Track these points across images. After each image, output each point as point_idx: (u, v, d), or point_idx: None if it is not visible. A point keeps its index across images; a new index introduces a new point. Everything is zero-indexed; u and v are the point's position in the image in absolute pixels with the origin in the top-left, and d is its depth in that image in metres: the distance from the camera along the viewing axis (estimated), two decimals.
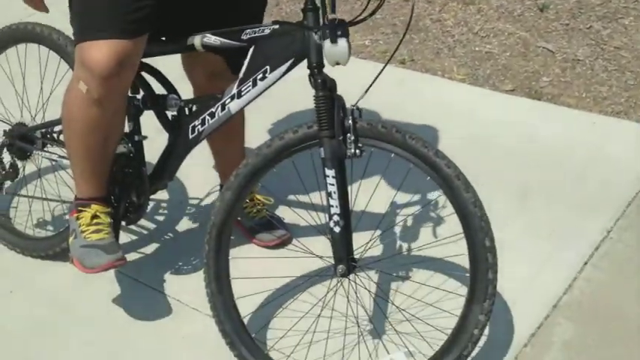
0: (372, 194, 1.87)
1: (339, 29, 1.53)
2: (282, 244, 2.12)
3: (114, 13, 1.61)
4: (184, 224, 2.28)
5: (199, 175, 2.33)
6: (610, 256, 2.03)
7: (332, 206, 1.57)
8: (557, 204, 2.24)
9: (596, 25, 3.23)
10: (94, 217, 1.85)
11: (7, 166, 2.14)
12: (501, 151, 2.48)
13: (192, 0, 1.75)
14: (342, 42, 1.53)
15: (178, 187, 2.36)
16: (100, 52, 1.61)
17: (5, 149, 2.15)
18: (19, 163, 2.16)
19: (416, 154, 1.57)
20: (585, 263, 2.00)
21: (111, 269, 1.86)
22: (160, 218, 2.31)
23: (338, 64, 1.56)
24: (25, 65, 2.16)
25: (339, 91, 1.60)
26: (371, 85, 1.58)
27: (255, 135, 2.21)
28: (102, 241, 1.83)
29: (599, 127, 2.60)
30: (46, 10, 1.84)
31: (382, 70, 1.58)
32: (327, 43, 1.53)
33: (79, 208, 1.86)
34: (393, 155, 1.60)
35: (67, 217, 2.18)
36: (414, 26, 3.32)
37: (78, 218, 1.86)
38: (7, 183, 2.18)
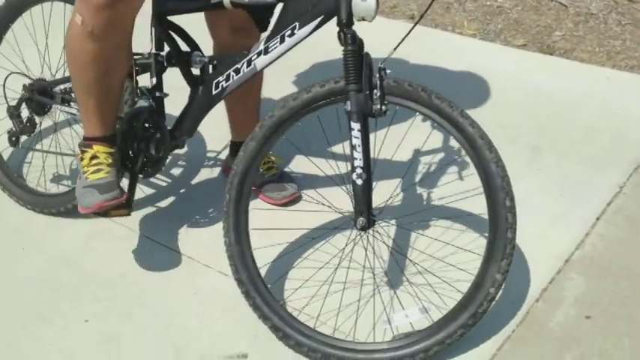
0: (395, 150, 1.88)
1: None
2: (291, 202, 2.14)
3: None
4: (198, 179, 2.29)
5: (212, 131, 2.33)
6: (623, 211, 2.05)
7: (355, 159, 1.58)
8: (569, 159, 2.25)
9: None
10: (93, 157, 1.84)
11: (25, 120, 2.13)
12: (513, 106, 2.48)
13: None
14: (370, 0, 1.54)
15: (193, 142, 2.35)
16: None
17: (24, 104, 2.14)
18: (37, 118, 2.15)
19: (440, 114, 1.59)
20: (597, 219, 2.01)
21: (107, 208, 1.81)
22: (175, 172, 2.32)
23: (363, 19, 1.56)
24: (48, 24, 2.14)
25: None
26: (398, 46, 1.59)
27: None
28: (100, 180, 1.82)
29: (612, 81, 2.60)
30: None
31: (410, 31, 1.59)
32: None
33: (82, 149, 1.87)
34: (417, 113, 1.62)
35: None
36: None
37: (82, 159, 1.87)
38: (24, 137, 2.18)
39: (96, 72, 1.75)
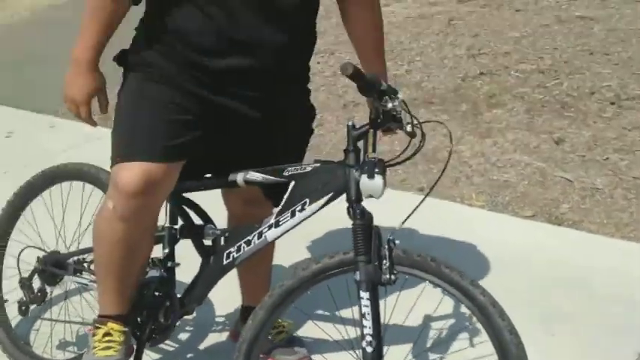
0: (406, 317, 1.86)
1: (377, 167, 1.61)
2: None
3: (148, 140, 1.70)
4: (206, 344, 2.26)
5: (221, 295, 2.31)
6: None
7: (365, 327, 1.58)
8: (584, 326, 2.22)
9: (613, 157, 3.32)
10: (107, 334, 1.85)
11: (36, 291, 2.15)
12: (523, 275, 2.49)
13: (238, 139, 1.83)
14: (378, 178, 1.61)
15: (202, 307, 2.33)
16: (130, 172, 1.68)
17: (36, 275, 2.17)
18: (48, 288, 2.17)
19: (451, 283, 1.60)
20: None
21: None
22: (182, 337, 2.29)
23: (371, 196, 1.62)
24: (66, 200, 2.24)
25: None
26: (407, 218, 1.63)
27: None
28: (108, 358, 1.82)
29: (622, 251, 2.63)
30: (94, 124, 1.85)
31: (420, 203, 1.65)
32: (363, 177, 1.61)
33: (96, 325, 1.87)
34: (427, 282, 1.63)
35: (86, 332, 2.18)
36: (432, 157, 3.43)
37: (94, 334, 1.86)
38: (32, 306, 2.18)
39: (121, 253, 1.79)
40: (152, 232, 1.86)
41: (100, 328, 1.86)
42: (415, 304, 1.96)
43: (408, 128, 1.63)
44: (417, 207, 1.64)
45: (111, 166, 1.76)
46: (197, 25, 1.68)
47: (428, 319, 2.15)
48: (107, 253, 1.81)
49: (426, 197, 1.68)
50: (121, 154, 1.73)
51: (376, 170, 1.60)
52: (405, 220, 1.64)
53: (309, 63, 1.89)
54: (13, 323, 2.25)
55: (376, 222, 1.64)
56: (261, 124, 1.80)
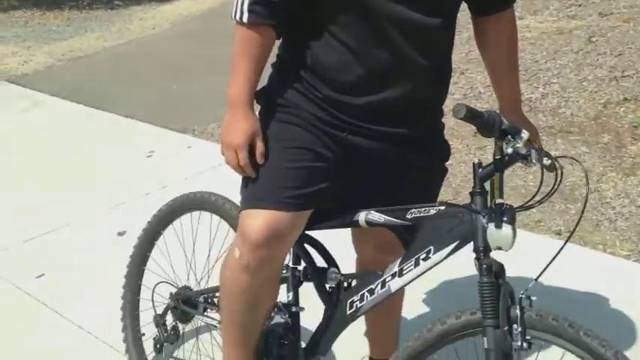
0: None
1: (505, 215, 1.51)
2: None
3: (278, 188, 1.67)
4: None
5: (347, 342, 2.28)
6: None
7: None
8: None
9: None
10: None
11: (170, 329, 2.21)
12: None
13: (370, 179, 1.78)
14: (506, 228, 1.51)
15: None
16: (255, 220, 1.66)
17: (169, 312, 2.24)
18: (180, 326, 2.23)
19: (591, 354, 1.46)
20: None
21: None
22: None
23: (500, 248, 1.53)
24: (196, 232, 2.28)
25: None
26: (544, 271, 1.53)
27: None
28: None
29: None
30: (252, 173, 1.70)
31: (558, 253, 1.53)
32: (491, 227, 1.51)
33: None
34: (566, 352, 1.50)
35: None
36: (570, 196, 3.23)
37: None
38: (166, 345, 2.25)
39: (243, 303, 1.79)
40: (276, 282, 1.85)
41: None
42: None
43: (544, 161, 1.51)
44: (555, 258, 1.52)
45: (239, 211, 1.76)
46: (337, 60, 1.64)
47: None
48: (230, 302, 1.81)
49: (564, 246, 1.55)
50: (249, 200, 1.71)
51: (504, 219, 1.50)
52: (541, 273, 1.52)
53: (447, 93, 1.82)
54: (150, 359, 2.32)
55: (507, 269, 1.53)
56: (395, 163, 1.75)
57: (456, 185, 3.50)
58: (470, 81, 4.68)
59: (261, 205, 1.68)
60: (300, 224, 1.73)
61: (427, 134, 1.80)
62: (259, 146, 1.68)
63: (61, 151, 4.37)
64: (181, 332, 2.24)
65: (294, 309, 1.92)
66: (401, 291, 1.96)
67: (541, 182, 1.57)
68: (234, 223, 2.06)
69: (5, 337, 2.62)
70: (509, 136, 1.49)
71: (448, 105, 4.28)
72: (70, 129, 4.78)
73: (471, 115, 1.43)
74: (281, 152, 1.68)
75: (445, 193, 3.27)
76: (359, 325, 2.11)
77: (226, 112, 1.69)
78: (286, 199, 1.67)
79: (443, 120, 1.89)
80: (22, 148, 4.48)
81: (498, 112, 1.55)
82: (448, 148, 1.89)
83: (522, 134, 1.49)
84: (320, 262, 1.91)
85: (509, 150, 1.49)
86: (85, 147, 4.43)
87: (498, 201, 1.53)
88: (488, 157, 1.58)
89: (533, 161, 1.51)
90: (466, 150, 3.87)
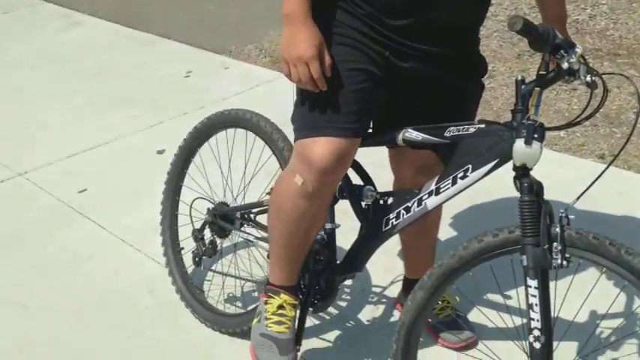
0: (578, 308, 1.74)
1: (537, 132, 1.48)
2: (468, 347, 2.04)
3: (338, 113, 1.65)
4: (367, 313, 2.26)
5: (383, 263, 2.31)
6: None
7: (532, 319, 1.47)
8: None
9: None
10: (280, 307, 1.88)
11: (207, 243, 2.25)
12: None
13: (411, 97, 1.75)
14: (535, 145, 1.48)
15: (362, 274, 2.35)
16: (322, 148, 1.65)
17: (207, 227, 2.27)
18: (218, 241, 2.26)
19: (632, 271, 1.44)
20: None
21: None
22: (342, 304, 2.30)
23: (524, 165, 1.50)
24: (232, 149, 2.29)
25: None
26: (585, 191, 1.50)
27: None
28: (280, 335, 1.86)
29: None
30: (325, 86, 1.62)
31: (601, 174, 1.50)
32: (519, 142, 1.48)
33: (269, 294, 1.90)
34: (604, 269, 1.48)
35: (256, 294, 2.26)
36: (615, 119, 3.15)
37: (266, 303, 1.90)
38: (205, 258, 2.29)
39: (300, 227, 1.80)
40: (328, 205, 1.85)
41: (273, 298, 1.89)
42: (590, 292, 1.81)
43: (588, 78, 1.45)
44: (598, 178, 1.49)
45: (296, 139, 1.72)
46: None
47: (605, 312, 1.97)
48: (285, 226, 1.81)
49: (608, 167, 1.53)
50: (309, 128, 1.68)
51: (535, 136, 1.47)
52: (582, 193, 1.50)
53: (486, 12, 1.75)
54: (189, 272, 2.38)
55: (547, 192, 1.51)
56: (434, 82, 1.71)
57: (497, 108, 3.43)
58: (514, 2, 4.53)
59: (324, 132, 1.65)
60: (357, 148, 1.72)
61: (466, 52, 1.75)
62: (327, 58, 1.60)
63: (101, 70, 4.39)
64: (219, 247, 2.28)
65: (329, 226, 1.94)
66: (437, 212, 1.97)
67: (590, 99, 1.52)
68: (269, 141, 2.07)
69: (47, 248, 2.71)
70: (562, 51, 1.44)
71: (491, 27, 4.17)
72: (108, 48, 4.79)
73: (527, 28, 1.39)
74: (336, 75, 1.63)
75: (486, 117, 3.21)
76: (394, 245, 2.13)
77: (284, 31, 1.62)
78: (349, 125, 1.65)
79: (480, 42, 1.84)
80: (63, 67, 4.51)
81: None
82: (485, 63, 1.84)
83: (577, 49, 1.44)
84: (356, 180, 1.90)
85: (565, 65, 1.44)
86: (123, 66, 4.44)
87: (533, 117, 1.50)
88: (526, 80, 1.54)
89: (582, 77, 1.46)
90: (509, 72, 3.77)
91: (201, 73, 4.26)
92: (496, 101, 3.46)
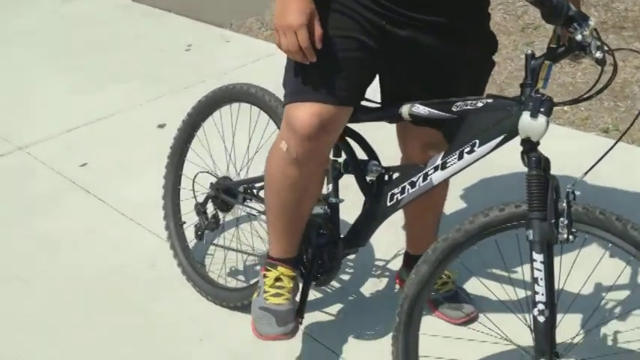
0: (583, 283, 1.73)
1: (543, 105, 1.46)
2: (468, 321, 2.05)
3: (324, 79, 1.62)
4: (369, 287, 2.26)
5: (385, 237, 2.30)
6: None
7: (537, 293, 1.47)
8: None
9: None
10: (277, 279, 1.87)
11: (210, 217, 2.24)
12: None
13: (414, 70, 1.72)
14: (541, 119, 1.46)
15: (364, 249, 2.34)
16: (304, 113, 1.62)
17: (210, 201, 2.26)
18: (220, 215, 2.25)
19: (638, 247, 1.43)
20: None
21: (280, 339, 1.87)
22: (345, 278, 2.30)
23: (529, 139, 1.48)
24: (235, 123, 2.27)
25: None
26: (593, 167, 1.49)
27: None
28: (279, 307, 1.85)
29: None
30: (313, 56, 1.60)
31: (609, 150, 1.48)
32: (525, 115, 1.47)
33: (267, 267, 1.90)
34: (610, 245, 1.47)
35: (258, 268, 2.26)
36: (620, 93, 3.11)
37: (264, 276, 1.89)
38: (207, 233, 2.28)
39: (291, 196, 1.78)
40: (322, 173, 1.83)
41: (270, 271, 1.88)
42: (595, 268, 1.80)
43: (598, 54, 1.43)
44: (606, 154, 1.48)
45: (284, 104, 1.72)
46: None
47: (609, 287, 1.97)
48: (278, 196, 1.80)
49: (617, 142, 1.52)
50: (295, 93, 1.66)
51: (542, 109, 1.45)
52: (590, 169, 1.49)
53: None
54: (191, 246, 2.37)
55: (553, 167, 1.50)
56: (438, 54, 1.68)
57: (501, 82, 3.39)
58: None
59: (309, 98, 1.63)
60: (346, 116, 1.70)
61: (472, 25, 1.72)
62: (317, 28, 1.57)
63: (101, 44, 4.35)
64: (221, 221, 2.27)
65: (333, 200, 1.93)
66: (443, 189, 1.96)
67: (600, 74, 1.50)
68: (273, 115, 2.05)
69: (47, 222, 2.70)
70: (575, 24, 1.41)
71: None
72: (108, 22, 4.74)
73: None
74: (325, 42, 1.60)
75: (489, 90, 3.17)
76: (397, 219, 2.11)
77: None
78: (334, 92, 1.62)
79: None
80: (63, 41, 4.46)
81: None
82: (495, 40, 1.81)
83: (590, 22, 1.42)
84: (360, 155, 1.89)
85: (578, 37, 1.41)
86: (123, 40, 4.40)
87: (541, 90, 1.48)
88: (536, 54, 1.52)
89: (592, 52, 1.43)
90: (513, 46, 3.73)
91: (201, 46, 4.22)
92: (499, 75, 3.42)
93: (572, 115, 3.04)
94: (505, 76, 3.44)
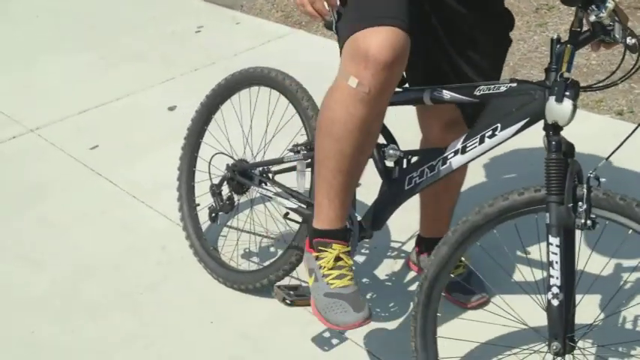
0: (603, 267, 1.73)
1: (569, 90, 1.45)
2: (479, 305, 2.05)
3: (390, 4, 1.54)
4: (382, 269, 2.26)
5: (398, 220, 2.29)
6: None
7: (552, 277, 1.48)
8: None
9: None
10: (337, 259, 1.71)
11: (225, 199, 2.23)
12: None
13: (438, 41, 1.70)
14: (567, 103, 1.45)
15: (380, 231, 2.34)
16: (379, 37, 1.50)
17: (225, 182, 2.25)
18: (236, 197, 2.25)
19: None
20: None
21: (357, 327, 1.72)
22: (357, 260, 2.29)
23: (556, 123, 1.48)
24: (254, 107, 2.26)
25: None
26: (615, 151, 1.48)
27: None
28: (346, 289, 1.69)
29: None
30: (330, 18, 1.61)
31: (629, 136, 1.48)
32: (551, 100, 1.46)
33: (320, 248, 1.73)
34: (630, 231, 1.47)
35: (272, 250, 2.25)
36: (635, 75, 3.05)
37: (317, 259, 1.73)
38: (220, 215, 2.27)
39: (355, 142, 1.62)
40: (382, 120, 1.68)
41: (325, 251, 1.72)
42: (615, 254, 1.81)
43: (628, 41, 1.41)
44: (627, 139, 1.47)
45: (346, 37, 1.57)
46: None
47: (628, 274, 1.97)
48: (338, 142, 1.62)
49: (635, 130, 1.51)
50: (365, 18, 1.53)
51: (567, 93, 1.44)
52: (612, 153, 1.48)
53: None
54: (204, 228, 2.37)
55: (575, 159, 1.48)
56: (463, 33, 1.67)
57: (514, 64, 3.37)
58: None
59: (381, 22, 1.50)
60: (409, 47, 1.56)
61: (492, 4, 1.72)
62: None
63: (111, 26, 4.32)
64: (236, 203, 2.26)
65: None
66: (461, 174, 1.95)
67: (622, 58, 1.48)
68: (293, 99, 2.05)
69: (58, 204, 2.71)
70: (593, 5, 1.40)
71: None
72: (118, 3, 4.70)
73: None
74: None
75: (503, 72, 3.16)
76: (412, 202, 2.10)
77: None
78: (403, 17, 1.52)
79: None
80: (73, 22, 4.44)
81: None
82: (512, 17, 1.81)
83: (608, 3, 1.40)
84: (380, 139, 1.85)
85: (592, 18, 1.40)
86: (134, 21, 4.37)
87: (566, 74, 1.47)
88: (549, 35, 1.50)
89: (616, 36, 1.42)
90: (526, 27, 3.69)
91: (212, 28, 4.20)
92: (512, 56, 3.39)
93: (587, 96, 3.02)
94: (518, 58, 3.41)
